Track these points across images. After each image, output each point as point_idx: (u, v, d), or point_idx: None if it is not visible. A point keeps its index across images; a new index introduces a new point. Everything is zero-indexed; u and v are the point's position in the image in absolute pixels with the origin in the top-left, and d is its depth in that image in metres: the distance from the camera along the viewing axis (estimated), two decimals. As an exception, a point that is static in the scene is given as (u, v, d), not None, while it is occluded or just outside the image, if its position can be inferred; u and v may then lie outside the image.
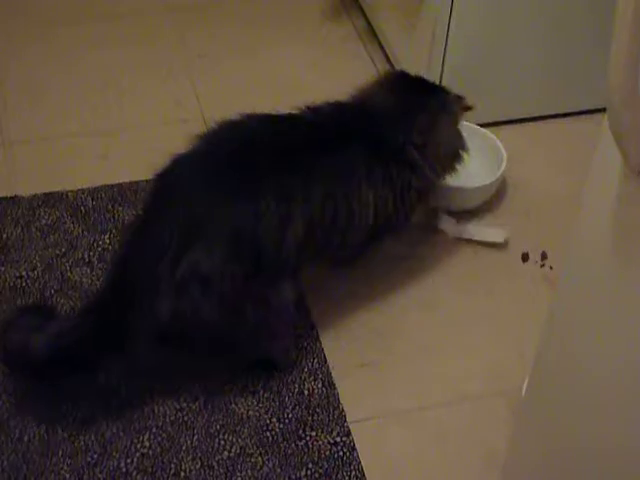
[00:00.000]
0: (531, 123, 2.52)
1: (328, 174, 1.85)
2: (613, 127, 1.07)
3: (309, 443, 1.87)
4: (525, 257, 2.21)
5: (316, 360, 2.00)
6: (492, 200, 2.31)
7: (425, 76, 2.13)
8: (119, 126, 2.47)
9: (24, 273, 2.11)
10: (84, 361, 1.79)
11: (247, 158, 1.81)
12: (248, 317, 1.80)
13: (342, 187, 1.87)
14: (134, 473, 1.81)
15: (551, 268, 2.19)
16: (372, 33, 2.73)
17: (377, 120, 1.96)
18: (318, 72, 2.67)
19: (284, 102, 2.51)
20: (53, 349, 1.75)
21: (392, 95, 2.03)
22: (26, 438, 1.84)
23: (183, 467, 1.82)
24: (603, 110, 1.06)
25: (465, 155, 2.08)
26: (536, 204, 2.32)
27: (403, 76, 2.10)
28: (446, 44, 2.34)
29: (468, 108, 2.09)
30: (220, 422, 1.89)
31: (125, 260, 1.82)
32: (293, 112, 1.95)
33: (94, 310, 1.82)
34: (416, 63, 2.40)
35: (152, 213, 1.83)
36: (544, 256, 2.21)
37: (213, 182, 1.78)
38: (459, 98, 2.08)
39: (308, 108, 1.97)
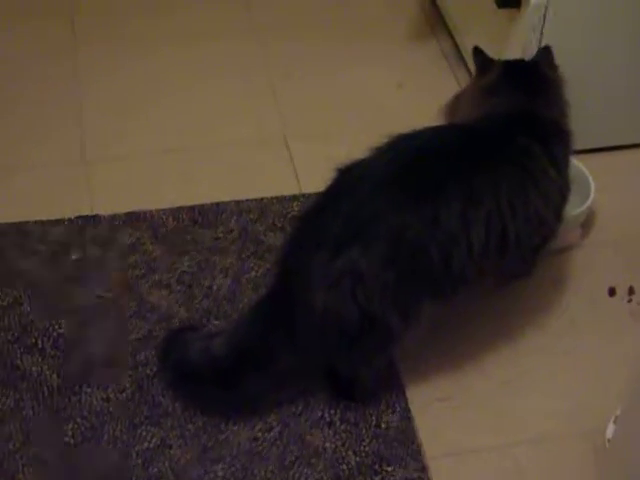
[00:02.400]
0: (622, 151, 2.46)
1: (507, 178, 1.85)
2: None
3: (385, 478, 1.83)
4: (612, 292, 2.15)
5: (394, 392, 1.96)
6: (579, 230, 2.25)
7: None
8: (202, 145, 2.46)
9: (102, 294, 2.10)
10: (260, 360, 1.83)
11: (430, 164, 1.82)
12: (387, 326, 1.79)
13: (525, 180, 1.87)
14: (207, 504, 1.80)
15: (639, 304, 2.12)
16: (459, 54, 2.69)
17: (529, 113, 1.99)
18: (403, 93, 2.63)
19: (368, 124, 2.52)
20: (233, 349, 1.81)
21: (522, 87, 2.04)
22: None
23: (256, 499, 1.80)
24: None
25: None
26: (625, 237, 2.26)
27: (511, 66, 2.10)
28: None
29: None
30: (295, 453, 1.87)
31: (291, 249, 1.85)
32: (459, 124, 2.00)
33: (264, 305, 1.86)
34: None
35: (323, 205, 1.84)
36: (631, 291, 2.15)
37: (389, 185, 1.78)
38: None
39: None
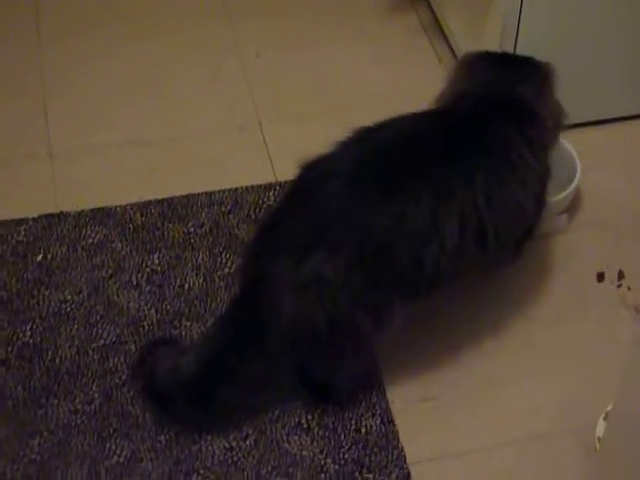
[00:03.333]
0: (608, 125, 2.36)
1: (483, 169, 1.76)
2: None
3: (366, 486, 1.76)
4: (600, 277, 2.06)
5: (374, 393, 1.88)
6: (565, 214, 2.15)
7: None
8: (170, 135, 2.36)
9: (69, 297, 2.02)
10: (230, 372, 1.75)
11: (397, 157, 1.73)
12: (358, 329, 1.71)
13: (502, 167, 1.79)
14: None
15: (629, 289, 2.04)
16: (438, 27, 2.58)
17: (503, 94, 1.90)
18: (381, 69, 2.53)
19: (344, 103, 2.42)
20: (202, 364, 1.72)
21: (499, 72, 1.96)
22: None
23: (232, 513, 1.73)
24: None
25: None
26: (613, 217, 2.17)
27: (494, 55, 2.03)
28: (516, 39, 2.20)
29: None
30: (272, 463, 1.79)
31: (255, 256, 1.76)
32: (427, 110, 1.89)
33: (230, 315, 1.79)
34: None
35: (287, 206, 1.77)
36: (621, 275, 2.06)
37: (354, 182, 1.70)
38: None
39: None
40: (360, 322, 1.70)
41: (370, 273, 1.67)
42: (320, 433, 1.82)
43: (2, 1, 2.70)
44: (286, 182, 2.18)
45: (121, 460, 1.79)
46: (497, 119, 1.83)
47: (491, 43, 2.21)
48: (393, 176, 1.70)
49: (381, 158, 1.72)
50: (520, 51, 2.19)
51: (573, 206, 2.17)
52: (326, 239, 1.65)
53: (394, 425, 1.83)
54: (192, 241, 2.12)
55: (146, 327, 1.97)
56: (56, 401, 1.86)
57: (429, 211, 1.68)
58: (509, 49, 2.19)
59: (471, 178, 1.73)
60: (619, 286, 2.05)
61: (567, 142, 2.15)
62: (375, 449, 1.81)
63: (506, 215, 1.78)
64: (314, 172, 1.74)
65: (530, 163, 1.82)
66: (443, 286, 1.78)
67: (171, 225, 2.15)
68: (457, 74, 2.01)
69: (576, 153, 2.15)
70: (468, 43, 2.39)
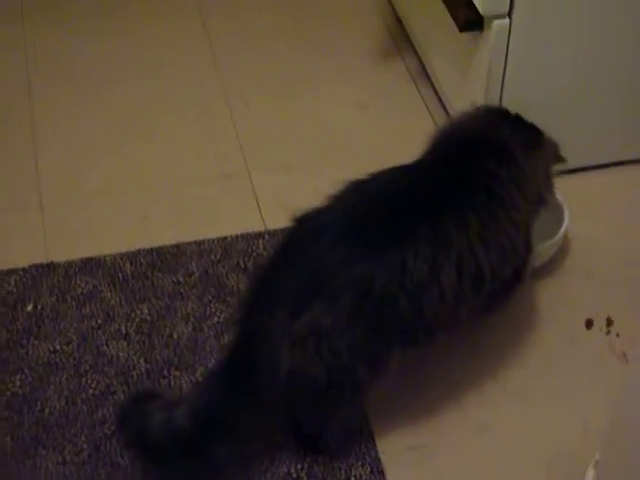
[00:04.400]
0: (595, 171, 2.37)
1: (475, 209, 1.77)
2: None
3: (356, 538, 1.75)
4: (589, 323, 2.07)
5: (364, 442, 1.87)
6: (552, 260, 2.16)
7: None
8: (160, 183, 2.37)
9: (58, 347, 2.02)
10: (225, 427, 1.72)
11: (392, 208, 1.74)
12: (355, 380, 1.71)
13: (495, 206, 1.80)
14: None
15: (617, 335, 2.04)
16: (425, 74, 2.60)
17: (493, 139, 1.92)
18: (368, 115, 2.55)
19: (332, 150, 2.44)
20: (196, 418, 1.70)
21: (493, 127, 1.96)
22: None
23: None
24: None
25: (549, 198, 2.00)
26: (601, 264, 2.18)
27: (502, 111, 2.03)
28: (502, 86, 2.22)
29: (561, 159, 2.02)
30: (261, 515, 1.78)
31: (250, 309, 1.75)
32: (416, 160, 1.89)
33: (225, 369, 1.76)
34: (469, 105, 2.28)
35: (281, 259, 1.77)
36: (610, 322, 2.06)
37: (350, 234, 1.70)
38: (555, 144, 2.01)
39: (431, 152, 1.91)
40: (359, 372, 1.70)
41: (369, 323, 1.67)
42: (310, 484, 1.82)
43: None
44: (275, 231, 2.20)
45: (110, 514, 1.78)
46: (488, 159, 1.84)
47: (477, 91, 2.23)
48: (389, 227, 1.70)
49: (375, 210, 1.73)
50: (506, 96, 2.21)
51: (561, 253, 2.18)
52: (324, 291, 1.65)
53: (384, 475, 1.83)
54: (181, 290, 2.12)
55: (135, 377, 1.97)
56: (45, 452, 1.86)
57: (427, 260, 1.69)
58: (494, 98, 2.20)
59: (464, 221, 1.74)
60: (608, 333, 2.05)
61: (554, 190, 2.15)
62: (365, 499, 1.80)
63: (500, 253, 1.79)
64: (309, 225, 1.75)
65: (519, 202, 1.83)
66: (441, 333, 1.78)
67: (160, 274, 2.15)
68: (452, 122, 2.03)
69: (564, 200, 2.16)
70: (454, 90, 2.41)
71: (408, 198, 1.76)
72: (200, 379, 1.95)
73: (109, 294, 2.11)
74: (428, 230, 1.71)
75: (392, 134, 2.47)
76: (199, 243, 2.21)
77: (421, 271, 1.69)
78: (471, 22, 2.15)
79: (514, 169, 1.86)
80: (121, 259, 2.18)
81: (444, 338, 1.83)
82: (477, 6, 2.11)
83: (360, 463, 1.85)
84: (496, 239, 1.78)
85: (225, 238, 2.22)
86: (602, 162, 2.38)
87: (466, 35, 2.19)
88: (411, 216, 1.73)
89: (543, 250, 2.10)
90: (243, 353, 1.73)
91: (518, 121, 1.97)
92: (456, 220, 1.75)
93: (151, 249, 2.20)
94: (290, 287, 1.68)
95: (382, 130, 2.49)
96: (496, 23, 2.10)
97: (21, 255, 2.19)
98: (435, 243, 1.71)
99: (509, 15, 2.09)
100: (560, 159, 2.03)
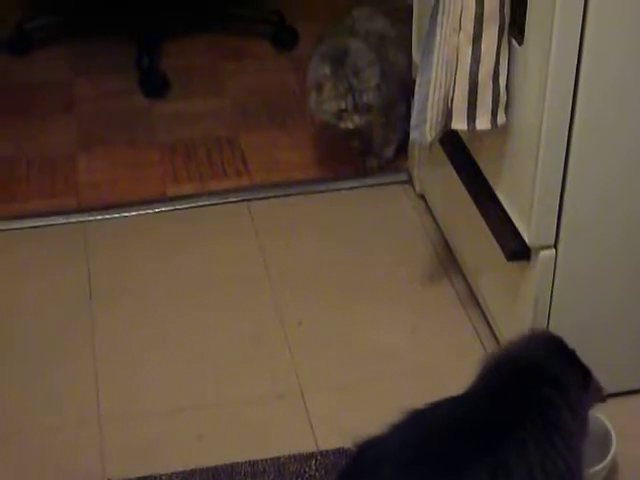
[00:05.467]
0: (640, 395, 2.41)
1: (535, 438, 1.80)
2: None
3: None
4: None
5: None
6: (603, 484, 2.18)
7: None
8: (215, 402, 2.43)
9: None
10: None
11: (451, 438, 1.77)
12: None
13: (553, 433, 1.83)
14: None
15: None
16: (473, 298, 2.68)
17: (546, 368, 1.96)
18: (417, 338, 2.61)
19: (384, 373, 2.49)
20: None
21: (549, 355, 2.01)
22: None
23: None
24: None
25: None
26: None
27: (558, 341, 2.08)
28: (549, 313, 2.28)
29: (603, 400, 2.08)
30: None
31: None
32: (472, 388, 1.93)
33: None
34: (519, 333, 2.33)
35: None
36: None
37: (410, 465, 1.73)
38: (601, 388, 2.07)
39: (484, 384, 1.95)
40: None
41: None
42: None
43: (54, 263, 2.86)
44: (327, 451, 2.23)
45: None
46: (546, 386, 1.89)
47: (525, 317, 2.30)
48: (449, 458, 1.74)
49: (435, 440, 1.77)
50: (553, 326, 2.27)
51: (611, 477, 2.19)
52: None
53: None
54: (235, 508, 2.16)
55: None
56: None
57: None
58: (542, 325, 2.26)
59: (525, 450, 1.77)
60: None
61: (600, 413, 2.19)
62: None
63: None
64: (368, 454, 1.79)
65: (572, 428, 1.87)
66: None
67: (216, 495, 2.19)
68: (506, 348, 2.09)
69: (610, 423, 2.19)
70: (503, 316, 2.48)
71: (467, 428, 1.80)
72: None
73: (164, 514, 2.15)
74: (487, 461, 1.74)
75: (442, 358, 2.53)
76: (253, 463, 2.25)
77: None
78: (518, 252, 2.24)
79: (568, 398, 1.91)
80: (177, 478, 2.22)
81: None
82: (524, 237, 2.20)
83: None
84: (555, 466, 1.81)
85: (278, 458, 2.26)
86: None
87: (514, 264, 2.28)
88: (471, 446, 1.76)
89: (593, 475, 2.12)
90: None
91: (573, 355, 2.03)
92: (516, 449, 1.78)
93: (206, 468, 2.24)
94: None
95: (432, 353, 2.55)
96: (543, 253, 2.18)
97: (77, 474, 2.24)
98: (496, 473, 1.74)
99: (555, 246, 2.18)
100: (602, 400, 2.08)
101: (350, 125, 2.98)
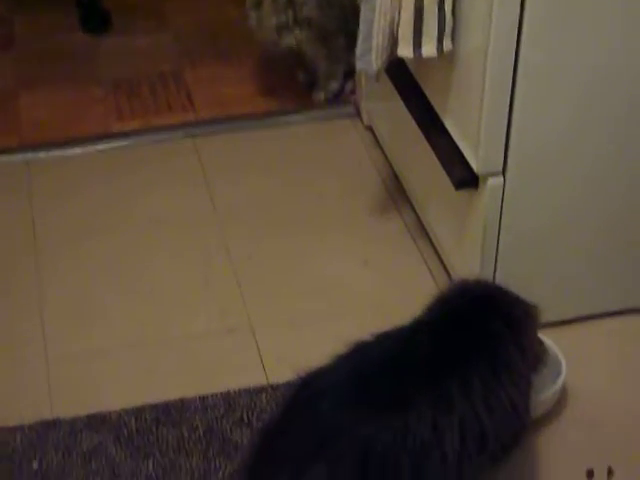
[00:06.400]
0: (593, 321, 2.41)
1: (480, 372, 1.80)
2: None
3: None
4: (590, 474, 2.08)
5: None
6: (552, 411, 2.19)
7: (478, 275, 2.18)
8: (164, 338, 2.41)
9: (63, 505, 2.03)
10: None
11: (394, 371, 1.77)
12: None
13: (499, 368, 1.82)
14: None
15: (619, 486, 2.06)
16: (423, 229, 2.67)
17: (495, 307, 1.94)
18: (368, 270, 2.60)
19: (335, 306, 2.48)
20: None
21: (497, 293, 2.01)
22: None
23: None
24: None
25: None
26: (599, 414, 2.20)
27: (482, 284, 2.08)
28: (498, 242, 2.27)
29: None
30: None
31: (253, 470, 1.77)
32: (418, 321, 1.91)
33: None
34: (467, 262, 2.34)
35: (283, 421, 1.78)
36: (611, 472, 2.08)
37: (352, 397, 1.72)
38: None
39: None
40: None
41: None
42: None
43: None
44: (278, 385, 2.22)
45: None
46: (491, 320, 1.89)
47: (473, 246, 2.30)
48: (392, 390, 1.73)
49: (379, 372, 1.76)
50: (502, 253, 2.27)
51: (560, 404, 2.21)
52: (325, 454, 1.66)
53: None
54: (186, 446, 2.14)
55: (140, 536, 1.98)
56: None
57: (430, 423, 1.71)
58: (491, 253, 2.26)
59: (469, 384, 1.77)
60: (609, 484, 2.07)
61: (550, 340, 2.20)
62: None
63: (504, 417, 1.81)
64: (312, 386, 1.77)
65: (521, 367, 1.86)
66: None
67: (165, 430, 2.17)
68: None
69: (560, 351, 2.20)
70: (452, 246, 2.48)
71: (411, 361, 1.79)
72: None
73: (114, 450, 2.13)
74: (431, 393, 1.74)
75: (393, 290, 2.52)
76: (202, 398, 2.24)
77: (424, 434, 1.71)
78: (466, 180, 2.23)
79: (517, 333, 1.91)
80: (126, 415, 2.20)
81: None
82: (472, 165, 2.19)
83: None
84: (500, 403, 1.81)
85: (228, 392, 2.25)
86: (597, 312, 2.42)
87: (462, 192, 2.27)
88: (414, 379, 1.75)
89: (541, 402, 2.13)
90: None
91: (519, 298, 2.02)
92: (460, 383, 1.77)
93: (156, 404, 2.22)
94: (292, 450, 1.70)
95: (384, 286, 2.54)
96: (491, 181, 2.17)
97: (27, 411, 2.21)
98: (438, 406, 1.73)
99: (503, 173, 2.17)
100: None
101: (292, 42, 2.94)
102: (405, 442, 1.69)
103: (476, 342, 1.85)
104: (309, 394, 1.77)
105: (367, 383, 1.74)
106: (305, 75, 3.19)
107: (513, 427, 1.88)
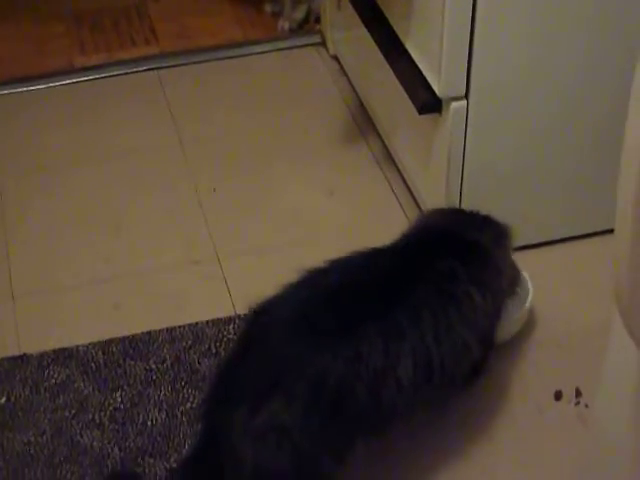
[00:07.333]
0: (559, 245, 2.41)
1: (429, 295, 1.80)
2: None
3: None
4: (558, 395, 2.09)
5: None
6: (520, 333, 2.19)
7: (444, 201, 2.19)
8: (130, 271, 2.40)
9: (32, 439, 2.03)
10: None
11: (346, 300, 1.75)
12: (320, 469, 1.71)
13: (448, 305, 1.81)
14: None
15: (587, 406, 2.07)
16: (389, 157, 2.65)
17: (455, 237, 1.95)
18: (335, 199, 2.59)
19: (301, 234, 2.47)
20: None
21: (462, 224, 2.02)
22: None
23: None
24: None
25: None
26: (567, 335, 2.21)
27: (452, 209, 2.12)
28: (463, 165, 2.26)
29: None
30: None
31: (212, 403, 1.76)
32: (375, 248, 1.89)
33: (190, 466, 1.77)
34: (433, 188, 2.33)
35: (239, 353, 1.78)
36: (578, 393, 2.09)
37: (304, 327, 1.71)
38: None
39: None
40: (323, 462, 1.70)
41: (328, 416, 1.68)
42: None
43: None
44: (245, 315, 2.22)
45: None
46: (445, 257, 1.87)
47: (438, 172, 2.28)
48: (343, 320, 1.72)
49: (329, 301, 1.75)
50: (467, 180, 2.26)
51: (528, 326, 2.21)
52: (281, 385, 1.66)
53: None
54: (154, 377, 2.14)
55: (110, 466, 1.98)
56: None
57: (382, 351, 1.71)
58: (456, 179, 2.25)
59: (418, 316, 1.76)
60: (577, 404, 2.08)
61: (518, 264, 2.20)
62: None
63: (452, 351, 1.81)
64: (262, 319, 1.77)
65: (476, 301, 1.86)
66: (402, 421, 1.81)
67: (133, 362, 2.17)
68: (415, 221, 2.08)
69: (527, 275, 2.20)
70: (418, 173, 2.46)
71: (363, 289, 1.78)
72: (174, 465, 1.96)
73: (82, 384, 2.13)
74: (381, 322, 1.73)
75: (360, 218, 2.52)
76: (170, 330, 2.23)
77: (376, 361, 1.70)
78: (429, 104, 2.21)
79: (478, 269, 1.90)
80: (93, 349, 2.19)
81: (405, 425, 1.85)
82: (435, 89, 2.17)
83: None
84: (448, 338, 1.80)
85: (196, 324, 2.25)
86: (562, 236, 2.42)
87: (425, 118, 2.25)
88: (365, 308, 1.74)
89: (510, 324, 2.14)
90: (208, 449, 1.73)
91: (487, 219, 2.02)
92: (410, 313, 1.76)
93: (123, 337, 2.22)
94: (248, 382, 1.69)
95: (351, 214, 2.53)
96: (454, 105, 2.15)
97: (-7, 348, 2.21)
98: (388, 335, 1.72)
99: (466, 97, 2.15)
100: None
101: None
102: (358, 370, 1.69)
103: (430, 279, 1.83)
104: (261, 326, 1.76)
105: (317, 312, 1.73)
106: (272, 5, 3.15)
107: (467, 361, 1.88)
